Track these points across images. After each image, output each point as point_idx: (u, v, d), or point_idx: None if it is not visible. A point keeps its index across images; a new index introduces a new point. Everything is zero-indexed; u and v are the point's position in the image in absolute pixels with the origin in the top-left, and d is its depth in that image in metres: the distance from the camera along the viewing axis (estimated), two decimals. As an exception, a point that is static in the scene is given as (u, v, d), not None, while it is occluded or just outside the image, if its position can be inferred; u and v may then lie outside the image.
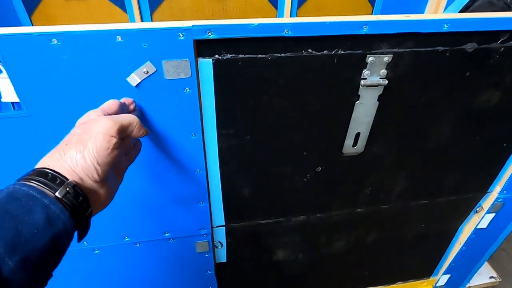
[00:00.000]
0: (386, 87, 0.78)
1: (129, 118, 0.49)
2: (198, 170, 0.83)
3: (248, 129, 0.80)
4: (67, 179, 0.41)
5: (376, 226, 1.17)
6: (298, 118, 0.80)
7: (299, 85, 0.74)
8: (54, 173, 0.41)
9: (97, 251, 0.96)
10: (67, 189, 0.40)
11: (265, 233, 1.08)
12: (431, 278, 1.49)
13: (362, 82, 0.76)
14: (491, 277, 1.65)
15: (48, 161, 0.43)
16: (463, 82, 0.81)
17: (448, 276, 1.48)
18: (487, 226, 1.24)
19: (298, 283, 1.32)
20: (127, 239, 0.95)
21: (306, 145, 0.86)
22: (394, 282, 1.46)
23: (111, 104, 0.52)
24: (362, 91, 0.78)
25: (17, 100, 0.65)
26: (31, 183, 0.39)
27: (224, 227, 1.01)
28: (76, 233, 0.42)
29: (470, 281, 1.61)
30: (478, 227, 1.24)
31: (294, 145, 0.86)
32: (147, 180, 0.82)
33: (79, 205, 0.41)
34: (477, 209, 1.19)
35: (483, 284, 1.63)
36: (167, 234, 0.96)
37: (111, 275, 1.04)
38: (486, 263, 1.70)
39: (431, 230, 1.25)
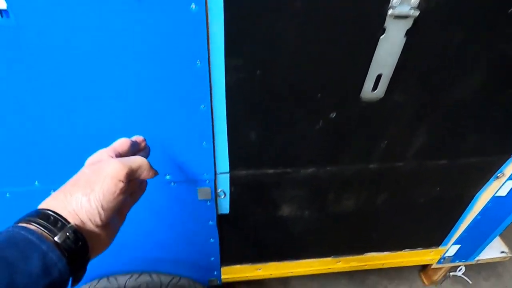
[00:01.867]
0: (416, 21, 0.69)
1: (139, 161, 0.48)
2: (202, 105, 0.77)
3: (258, 62, 0.72)
4: (68, 223, 0.40)
5: (388, 186, 1.11)
6: (313, 52, 0.72)
7: (317, 12, 0.66)
8: (56, 216, 0.40)
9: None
10: (67, 233, 0.39)
11: (271, 185, 1.02)
12: (440, 248, 1.44)
13: (389, 11, 0.67)
14: (502, 252, 1.59)
15: (52, 203, 0.42)
16: (506, 23, 0.72)
17: (458, 246, 1.43)
18: (507, 195, 1.17)
19: (302, 242, 1.28)
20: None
21: (321, 85, 0.79)
22: (401, 249, 1.42)
23: (123, 142, 0.51)
24: (388, 23, 0.69)
25: (4, 6, 0.59)
26: (31, 226, 0.38)
27: (228, 174, 0.96)
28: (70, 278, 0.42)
29: (480, 255, 1.55)
30: (496, 194, 1.17)
31: (307, 84, 0.78)
32: (145, 113, 0.77)
33: (77, 250, 0.40)
34: (498, 174, 1.11)
35: (493, 258, 1.58)
36: (168, 177, 0.92)
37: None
38: (497, 237, 1.64)
39: (445, 195, 1.18)
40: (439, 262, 1.52)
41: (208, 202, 1.01)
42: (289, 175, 1.00)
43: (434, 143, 0.98)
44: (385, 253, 1.41)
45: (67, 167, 0.81)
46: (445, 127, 0.94)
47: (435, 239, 1.40)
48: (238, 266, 1.33)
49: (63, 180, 0.46)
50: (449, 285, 1.81)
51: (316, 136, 0.90)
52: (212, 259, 1.25)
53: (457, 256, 1.49)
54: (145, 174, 0.48)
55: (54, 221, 0.40)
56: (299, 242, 1.29)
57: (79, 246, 0.40)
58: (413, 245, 1.41)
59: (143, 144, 0.57)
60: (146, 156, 0.57)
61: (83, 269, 0.43)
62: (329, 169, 1.00)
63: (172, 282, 1.17)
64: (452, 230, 1.36)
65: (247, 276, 1.38)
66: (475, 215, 1.26)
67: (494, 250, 1.59)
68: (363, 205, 1.17)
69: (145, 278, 1.14)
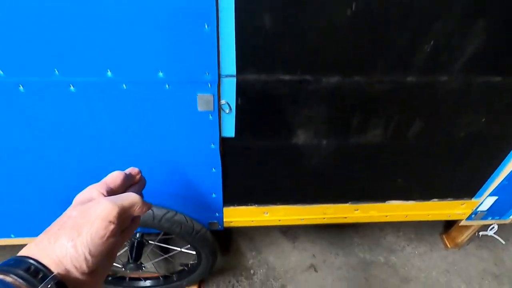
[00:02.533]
0: None
1: (131, 199, 0.43)
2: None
3: None
4: (52, 272, 0.37)
5: (425, 111, 0.93)
6: None
7: None
8: (37, 265, 0.37)
9: (72, 88, 0.76)
10: (49, 286, 0.36)
11: (285, 99, 0.85)
12: (473, 200, 1.27)
13: None
14: (541, 211, 1.42)
15: (34, 249, 0.39)
16: None
17: (494, 199, 1.25)
18: None
19: (316, 181, 1.12)
20: (109, 74, 0.74)
21: None
22: (428, 199, 1.25)
23: (115, 177, 0.47)
24: None
25: None
26: (8, 278, 0.36)
27: (234, 79, 0.79)
28: None
29: (516, 212, 1.38)
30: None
31: None
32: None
33: None
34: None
35: (529, 217, 1.40)
36: (160, 74, 0.75)
37: (92, 125, 0.84)
38: (536, 196, 1.46)
39: (490, 130, 1.00)
40: (469, 218, 1.35)
41: (210, 116, 0.85)
42: (308, 86, 0.82)
43: (491, 51, 0.79)
44: (410, 202, 1.24)
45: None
46: (506, 31, 0.75)
47: (469, 189, 1.23)
48: (242, 208, 1.18)
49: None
50: (473, 249, 1.65)
51: (346, 27, 0.72)
52: (214, 195, 1.09)
53: (491, 211, 1.32)
54: (138, 210, 0.44)
55: (35, 271, 0.37)
56: (313, 182, 1.12)
57: None
58: (442, 195, 1.24)
59: (138, 177, 0.51)
60: (141, 189, 0.51)
61: None
62: (357, 79, 0.82)
63: (166, 216, 1.02)
64: (490, 178, 1.18)
65: (252, 221, 1.23)
66: (520, 159, 1.08)
67: (531, 209, 1.41)
68: (392, 138, 0.99)
69: (135, 208, 0.99)
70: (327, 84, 0.83)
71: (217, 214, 1.19)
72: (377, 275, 1.54)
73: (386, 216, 1.30)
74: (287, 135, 0.96)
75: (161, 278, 1.35)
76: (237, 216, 1.20)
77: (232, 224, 1.24)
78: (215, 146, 0.93)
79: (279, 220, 1.25)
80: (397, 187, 1.18)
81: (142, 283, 1.36)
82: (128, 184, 0.48)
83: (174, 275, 1.34)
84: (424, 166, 1.11)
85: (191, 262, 1.28)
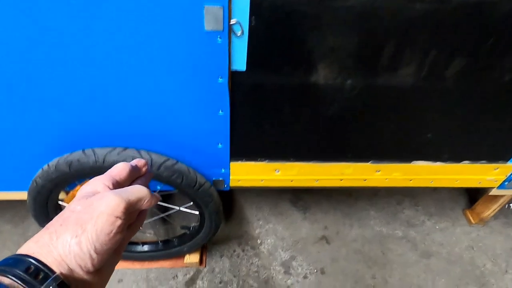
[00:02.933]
0: None
1: (138, 192, 0.40)
2: None
3: None
4: (53, 272, 0.34)
5: (470, 43, 0.79)
6: None
7: None
8: (38, 265, 0.34)
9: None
10: (51, 287, 0.33)
11: (307, 21, 0.72)
12: (508, 164, 1.14)
13: None
14: None
15: (35, 247, 0.35)
16: None
17: (532, 162, 1.12)
18: None
19: (335, 131, 1.00)
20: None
21: None
22: (458, 161, 1.12)
23: (121, 169, 0.44)
24: None
25: None
26: (5, 279, 0.33)
27: (248, -12, 0.66)
28: None
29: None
30: None
31: None
32: None
33: None
34: None
35: None
36: (160, -25, 0.62)
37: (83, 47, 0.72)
38: None
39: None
40: (501, 186, 1.22)
41: (218, 38, 0.72)
42: (334, 2, 0.69)
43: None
44: (438, 164, 1.11)
45: None
46: None
47: (506, 150, 1.10)
48: (251, 164, 1.06)
49: None
50: (499, 226, 1.52)
51: None
52: (220, 146, 0.97)
53: (526, 178, 1.19)
54: (146, 204, 0.42)
55: (35, 271, 0.34)
56: (332, 134, 1.00)
57: None
58: (475, 156, 1.11)
59: (144, 169, 0.48)
60: (147, 182, 0.48)
61: None
62: (393, -6, 0.69)
63: (166, 163, 0.90)
64: (531, 137, 1.05)
65: (262, 181, 1.11)
66: None
67: None
68: (426, 78, 0.86)
69: (130, 153, 0.87)
70: (356, 1, 0.70)
71: (223, 170, 1.07)
72: (394, 249, 1.41)
73: (410, 180, 1.17)
74: (306, 71, 0.83)
75: (160, 243, 1.24)
76: (245, 173, 1.08)
77: (239, 184, 1.12)
78: (223, 80, 0.81)
79: (291, 181, 1.13)
80: (425, 144, 1.05)
81: (140, 248, 1.25)
82: (134, 177, 0.46)
83: (174, 240, 1.23)
84: (459, 118, 0.98)
85: (193, 224, 1.16)
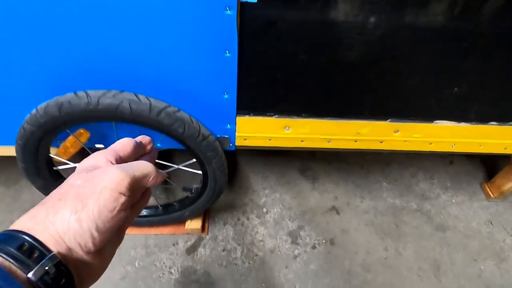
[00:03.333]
0: None
1: (144, 169, 0.38)
2: None
3: None
4: (50, 251, 0.31)
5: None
6: None
7: None
8: (33, 242, 0.31)
9: None
10: (47, 267, 0.30)
11: None
12: (539, 127, 1.04)
13: None
14: None
15: (29, 223, 0.32)
16: None
17: None
18: None
19: (353, 81, 0.90)
20: None
21: None
22: (485, 121, 1.03)
23: (125, 144, 0.41)
24: None
25: None
26: None
27: None
28: None
29: None
30: None
31: None
32: None
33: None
34: None
35: None
36: None
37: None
38: None
39: None
40: (528, 153, 1.13)
41: (226, -44, 0.63)
42: None
43: None
44: (462, 124, 1.02)
45: None
46: None
47: (538, 110, 1.00)
48: (260, 119, 0.97)
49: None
50: (520, 201, 1.44)
51: None
52: (226, 95, 0.89)
53: (557, 144, 1.09)
54: (151, 181, 0.39)
55: (30, 249, 0.31)
56: (349, 85, 0.91)
57: (62, 284, 0.31)
58: (503, 117, 1.02)
59: (149, 147, 0.45)
60: (152, 161, 0.44)
61: None
62: None
63: (167, 110, 0.82)
64: None
65: (270, 140, 1.03)
66: None
67: None
68: (459, 18, 0.76)
69: (127, 96, 0.79)
70: None
71: (228, 125, 0.98)
72: (408, 221, 1.33)
73: (430, 143, 1.08)
74: (325, 4, 0.73)
75: (160, 207, 1.16)
76: (253, 130, 1.00)
77: (246, 143, 1.03)
78: (231, 12, 0.72)
79: (302, 141, 1.05)
80: (451, 101, 0.96)
81: (139, 212, 1.17)
82: (138, 154, 0.43)
83: (175, 204, 1.15)
84: (490, 68, 0.88)
85: (195, 186, 1.08)
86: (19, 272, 0.30)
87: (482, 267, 1.22)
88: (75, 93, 0.79)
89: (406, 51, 0.84)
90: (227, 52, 0.79)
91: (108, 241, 0.36)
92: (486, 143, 1.09)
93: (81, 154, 1.00)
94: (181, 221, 1.20)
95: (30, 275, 0.30)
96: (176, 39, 0.76)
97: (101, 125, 0.93)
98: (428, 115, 1.01)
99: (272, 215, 1.31)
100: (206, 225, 1.26)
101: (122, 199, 0.35)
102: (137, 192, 0.40)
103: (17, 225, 0.33)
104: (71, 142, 0.91)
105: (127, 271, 1.13)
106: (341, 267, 1.18)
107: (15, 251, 0.30)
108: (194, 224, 1.20)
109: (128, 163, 0.39)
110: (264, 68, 0.87)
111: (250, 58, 0.84)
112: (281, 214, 1.32)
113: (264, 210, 1.33)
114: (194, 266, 1.15)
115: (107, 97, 0.77)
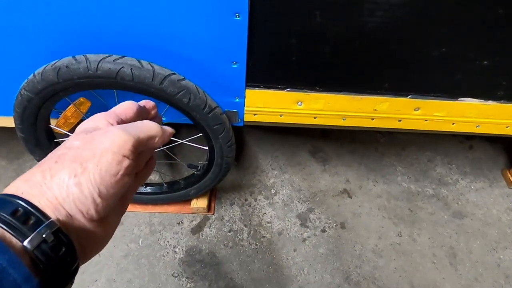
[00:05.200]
0: None
1: (149, 129, 0.35)
2: None
3: None
4: (48, 218, 0.28)
5: None
6: None
7: None
8: (28, 208, 0.28)
9: None
10: (44, 235, 0.27)
11: None
12: None
13: None
14: None
15: (24, 186, 0.29)
16: None
17: None
18: None
19: (371, 51, 0.83)
20: None
21: None
22: (487, 98, 0.95)
23: (127, 107, 0.37)
24: None
25: None
26: None
27: None
28: None
29: None
30: None
31: None
32: None
33: (59, 261, 0.28)
34: None
35: None
36: None
37: None
38: None
39: None
40: (558, 136, 1.05)
41: None
42: None
43: None
44: (489, 103, 0.95)
45: None
46: None
47: None
48: (270, 92, 0.91)
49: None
50: (544, 189, 1.36)
51: None
52: (235, 65, 0.83)
53: None
54: (158, 142, 0.35)
55: (25, 215, 0.27)
56: (368, 55, 0.84)
57: (61, 254, 0.28)
58: (496, 95, 0.94)
59: (153, 112, 0.41)
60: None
61: (69, 286, 0.30)
62: None
63: (171, 77, 0.76)
64: None
65: (281, 116, 0.97)
66: None
67: None
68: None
69: (128, 61, 0.73)
70: None
71: (237, 99, 0.92)
72: (424, 207, 1.27)
73: (453, 124, 1.01)
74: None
75: (164, 185, 1.12)
76: (262, 104, 0.94)
77: (255, 119, 0.98)
78: (242, -32, 0.65)
79: (315, 117, 0.98)
80: (478, 76, 0.88)
81: (142, 189, 1.14)
82: (141, 119, 0.39)
83: (180, 181, 1.11)
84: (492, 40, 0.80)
85: (202, 163, 1.04)
86: (14, 240, 0.27)
87: (501, 256, 1.15)
88: (73, 57, 0.74)
89: (432, 18, 0.77)
90: (237, 15, 0.73)
91: (112, 209, 0.33)
92: (514, 124, 1.01)
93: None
94: (187, 200, 1.16)
95: (25, 243, 0.27)
96: (184, 1, 0.70)
97: (103, 95, 0.89)
98: (452, 92, 0.93)
99: (281, 197, 1.26)
100: (213, 205, 1.21)
101: (126, 162, 0.32)
102: (141, 157, 0.37)
103: (10, 189, 0.29)
104: (71, 112, 0.86)
105: (130, 249, 1.10)
106: (351, 252, 1.13)
107: (8, 217, 0.27)
108: (200, 203, 1.16)
109: (131, 123, 0.35)
110: (277, 34, 0.80)
111: (262, 23, 0.77)
112: (290, 196, 1.27)
113: (273, 191, 1.28)
114: (199, 246, 1.11)
115: (107, 62, 0.72)
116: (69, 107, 0.86)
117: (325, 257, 1.11)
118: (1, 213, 0.27)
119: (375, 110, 0.96)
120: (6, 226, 0.27)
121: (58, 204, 0.30)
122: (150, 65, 0.75)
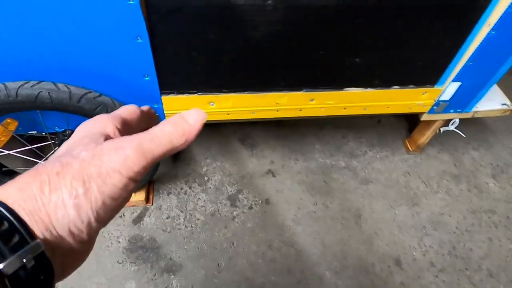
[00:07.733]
0: None
1: (169, 142, 0.29)
2: None
3: None
4: (34, 238, 0.24)
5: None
6: None
7: None
8: (14, 223, 0.23)
9: None
10: (24, 260, 0.23)
11: None
12: (435, 87, 1.19)
13: None
14: (503, 104, 1.37)
15: (16, 195, 0.24)
16: None
17: (457, 85, 1.17)
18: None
19: (263, 58, 0.99)
20: None
21: None
22: (388, 86, 1.15)
23: (133, 112, 0.34)
24: None
25: None
26: None
27: None
28: None
29: (478, 105, 1.33)
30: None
31: None
32: None
33: (34, 286, 0.24)
34: None
35: (492, 110, 1.35)
36: None
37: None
38: (499, 89, 1.41)
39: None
40: (431, 111, 1.28)
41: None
42: None
43: None
44: (369, 90, 1.15)
45: None
46: None
47: (432, 73, 1.14)
48: (184, 97, 1.05)
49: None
50: (434, 152, 1.63)
51: None
52: (147, 78, 0.95)
53: (453, 103, 1.25)
54: (182, 146, 0.30)
55: (8, 231, 0.23)
56: (261, 61, 0.99)
57: (39, 280, 0.24)
58: (403, 81, 1.15)
59: (151, 112, 0.38)
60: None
61: None
62: None
63: (87, 96, 0.87)
64: (453, 60, 1.09)
65: (198, 115, 1.11)
66: (485, 34, 0.98)
67: (494, 103, 1.36)
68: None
69: (46, 85, 0.84)
70: None
71: (155, 104, 1.05)
72: (336, 178, 1.49)
73: (344, 108, 1.21)
74: (223, -10, 0.80)
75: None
76: (179, 107, 1.07)
77: (175, 119, 1.11)
78: (134, 2, 0.77)
79: (228, 114, 1.14)
80: (356, 70, 1.07)
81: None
82: (143, 121, 0.37)
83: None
84: (384, 40, 0.99)
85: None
86: None
87: (397, 212, 1.41)
88: (-7, 85, 0.83)
89: (307, 29, 0.93)
90: (139, 38, 0.85)
91: (102, 227, 0.30)
92: (392, 104, 1.22)
93: (14, 141, 1.05)
94: (126, 195, 1.29)
95: (2, 265, 0.23)
96: (90, 30, 0.81)
97: (29, 112, 0.98)
98: (338, 84, 1.12)
99: (213, 182, 1.43)
100: (151, 197, 1.35)
101: (132, 185, 0.28)
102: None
103: (1, 194, 0.25)
104: (1, 131, 0.95)
105: (77, 245, 1.22)
106: (274, 223, 1.33)
107: None
108: (138, 197, 1.30)
109: (148, 133, 0.30)
110: (179, 51, 0.93)
111: (164, 42, 0.90)
112: (221, 181, 1.43)
113: (206, 178, 1.44)
114: (140, 234, 1.26)
115: (25, 88, 0.82)
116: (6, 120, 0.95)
117: (251, 230, 1.30)
118: None
119: (277, 103, 1.13)
120: None
121: (50, 223, 0.26)
122: (66, 87, 0.86)
